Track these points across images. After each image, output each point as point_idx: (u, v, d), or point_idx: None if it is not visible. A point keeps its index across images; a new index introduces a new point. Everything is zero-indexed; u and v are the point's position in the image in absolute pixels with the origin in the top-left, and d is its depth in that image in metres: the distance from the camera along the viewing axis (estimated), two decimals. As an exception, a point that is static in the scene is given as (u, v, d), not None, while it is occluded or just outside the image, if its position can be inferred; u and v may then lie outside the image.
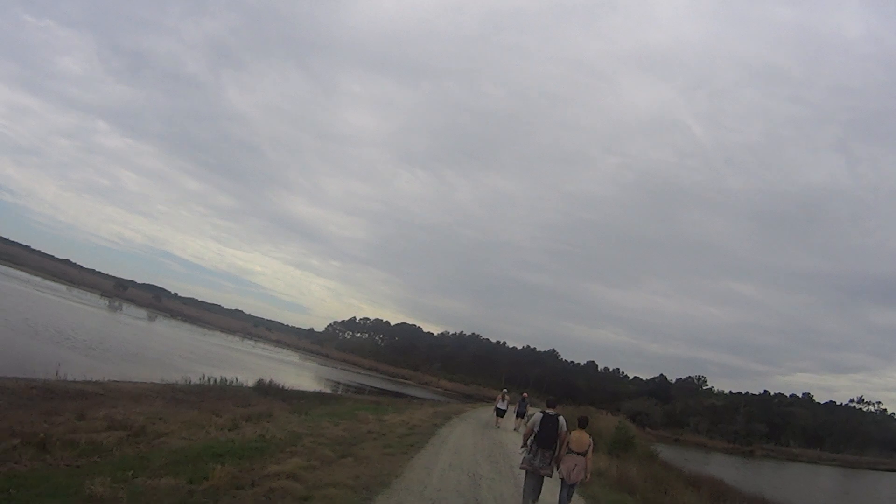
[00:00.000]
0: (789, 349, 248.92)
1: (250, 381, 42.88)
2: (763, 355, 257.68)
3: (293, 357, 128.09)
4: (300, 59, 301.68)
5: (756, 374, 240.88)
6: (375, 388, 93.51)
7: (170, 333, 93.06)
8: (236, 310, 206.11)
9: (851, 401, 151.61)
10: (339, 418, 28.01)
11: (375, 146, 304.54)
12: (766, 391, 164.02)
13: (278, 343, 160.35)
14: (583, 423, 14.71)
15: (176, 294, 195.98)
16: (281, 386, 44.02)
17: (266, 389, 41.42)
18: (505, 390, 42.11)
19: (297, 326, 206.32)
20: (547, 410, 14.82)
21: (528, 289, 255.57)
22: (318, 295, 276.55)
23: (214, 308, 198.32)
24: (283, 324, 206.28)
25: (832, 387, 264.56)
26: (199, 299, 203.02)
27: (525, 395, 43.18)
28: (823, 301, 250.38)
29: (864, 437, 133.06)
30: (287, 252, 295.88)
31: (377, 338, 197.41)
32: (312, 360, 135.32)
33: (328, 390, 61.97)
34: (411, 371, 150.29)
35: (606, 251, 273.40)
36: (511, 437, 32.12)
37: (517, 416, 39.71)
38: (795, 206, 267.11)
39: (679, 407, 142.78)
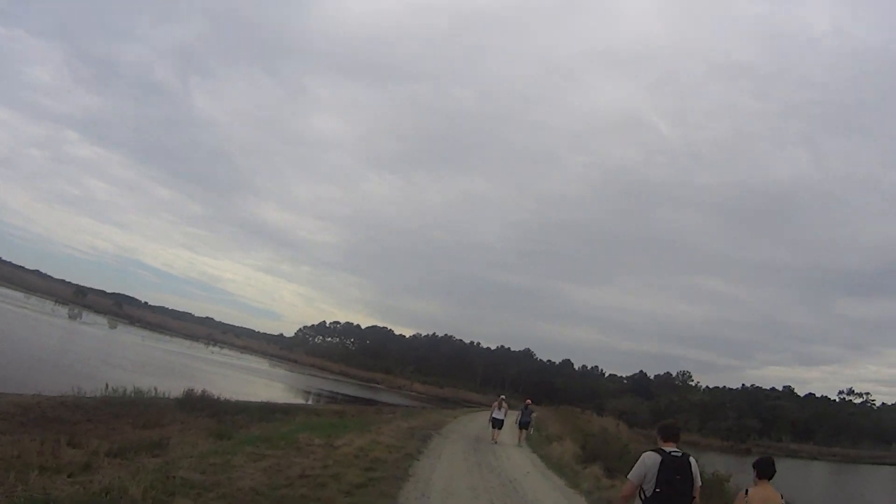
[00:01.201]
0: (761, 343, 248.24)
1: (179, 392, 32.78)
2: (735, 349, 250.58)
3: (259, 364, 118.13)
4: (267, 64, 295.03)
5: (729, 368, 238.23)
6: (344, 394, 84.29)
7: (118, 339, 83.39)
8: (207, 317, 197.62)
9: (840, 392, 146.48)
10: (271, 445, 18.48)
11: (344, 150, 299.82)
12: (743, 385, 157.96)
13: (244, 349, 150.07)
14: (766, 470, 8.15)
15: (146, 303, 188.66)
16: (216, 397, 33.76)
17: (193, 403, 31.31)
18: (503, 396, 33.56)
19: (267, 333, 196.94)
20: (666, 448, 7.87)
21: (500, 289, 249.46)
22: (290, 301, 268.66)
23: (185, 316, 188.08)
24: (254, 330, 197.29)
25: (805, 379, 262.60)
26: (170, 307, 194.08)
27: (529, 401, 34.45)
28: (794, 294, 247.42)
29: (857, 430, 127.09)
30: (257, 258, 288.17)
31: (348, 342, 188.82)
32: (281, 367, 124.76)
33: (282, 400, 51.31)
34: (383, 374, 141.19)
35: (577, 250, 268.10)
36: (518, 461, 23.82)
37: (520, 428, 32.14)
38: (764, 201, 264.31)
39: (664, 404, 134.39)
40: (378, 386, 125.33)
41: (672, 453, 7.69)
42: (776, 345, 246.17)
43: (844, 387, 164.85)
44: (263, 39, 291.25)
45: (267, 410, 36.45)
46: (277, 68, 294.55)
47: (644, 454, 7.82)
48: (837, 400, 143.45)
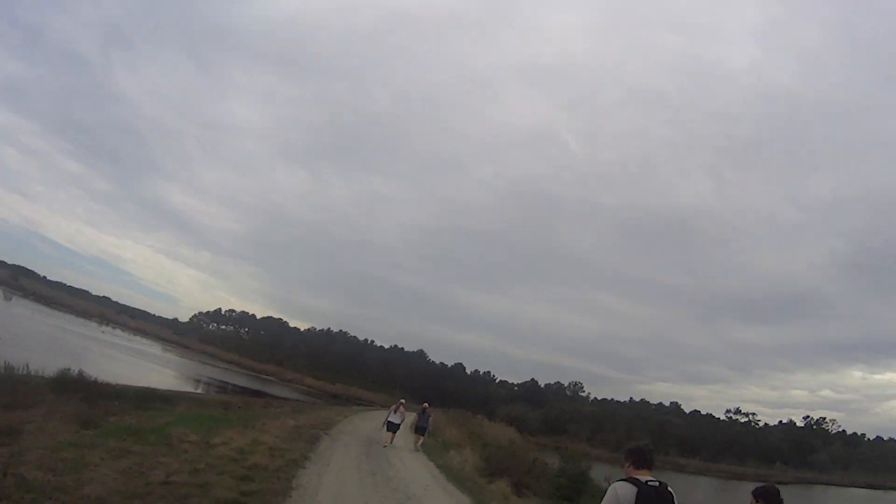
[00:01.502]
0: (651, 359, 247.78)
1: (54, 371, 30.21)
2: (625, 364, 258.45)
3: (151, 347, 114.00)
4: (191, 46, 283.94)
5: (618, 381, 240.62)
6: (234, 385, 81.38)
7: (7, 312, 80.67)
8: (104, 296, 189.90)
9: (728, 411, 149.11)
10: (140, 440, 16.77)
11: (255, 139, 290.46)
12: (631, 399, 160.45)
13: (137, 331, 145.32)
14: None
15: (45, 277, 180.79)
16: (93, 379, 31.25)
17: (67, 384, 28.67)
18: (402, 400, 31.75)
19: (163, 316, 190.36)
20: (640, 477, 6.58)
21: (397, 290, 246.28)
22: (188, 286, 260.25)
23: (82, 293, 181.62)
24: (149, 313, 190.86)
25: (691, 396, 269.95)
26: (68, 283, 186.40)
27: (426, 404, 33.32)
28: (686, 315, 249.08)
29: (742, 448, 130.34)
30: (159, 240, 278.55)
31: (242, 331, 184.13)
32: (173, 352, 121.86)
33: (168, 387, 48.42)
34: (275, 367, 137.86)
35: (476, 257, 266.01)
36: (416, 470, 22.40)
37: (416, 432, 31.10)
38: (665, 224, 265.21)
39: (555, 412, 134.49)
40: (269, 378, 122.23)
41: (649, 483, 6.47)
42: (665, 362, 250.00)
43: (729, 406, 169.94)
44: (190, 21, 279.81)
45: (148, 397, 33.98)
46: (200, 52, 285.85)
47: (615, 484, 6.55)
48: (724, 419, 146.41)
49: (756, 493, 7.54)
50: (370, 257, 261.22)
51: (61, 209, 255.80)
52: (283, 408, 47.37)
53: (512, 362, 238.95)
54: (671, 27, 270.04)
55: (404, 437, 31.69)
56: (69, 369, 30.93)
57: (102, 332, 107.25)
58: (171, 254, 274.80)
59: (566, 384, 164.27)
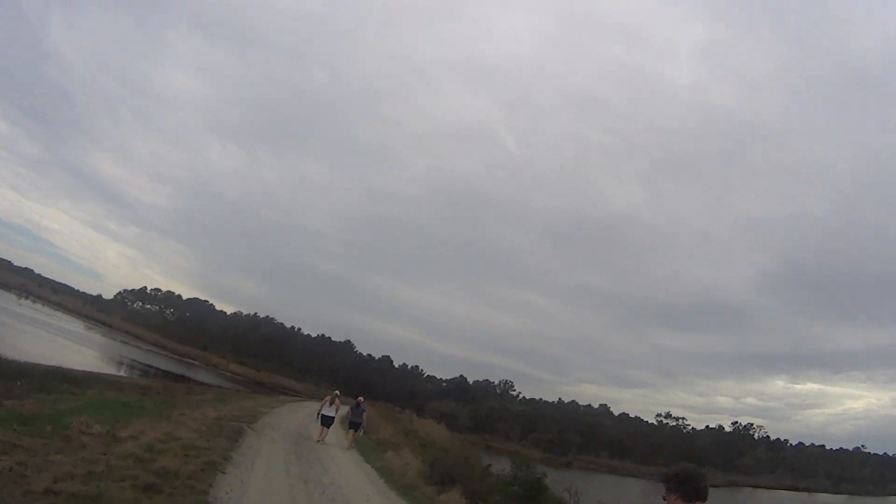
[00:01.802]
0: (577, 362, 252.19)
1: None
2: (552, 365, 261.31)
3: (71, 324, 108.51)
4: (133, 6, 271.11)
5: (545, 382, 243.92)
6: (155, 367, 77.63)
7: None
8: (26, 268, 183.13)
9: (658, 415, 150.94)
10: (32, 430, 14.62)
11: (191, 111, 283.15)
12: (560, 399, 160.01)
13: (58, 306, 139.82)
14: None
15: None
16: (1, 357, 28.35)
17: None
18: (337, 392, 30.07)
19: (87, 292, 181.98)
20: None
21: (325, 277, 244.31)
22: (114, 261, 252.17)
23: (3, 263, 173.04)
24: (73, 288, 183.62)
25: (618, 399, 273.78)
26: None
27: (361, 399, 31.06)
28: (614, 320, 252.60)
29: (672, 452, 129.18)
30: (86, 212, 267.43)
31: (168, 312, 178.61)
32: (95, 330, 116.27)
33: (82, 367, 45.04)
34: (200, 350, 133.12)
35: (404, 249, 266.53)
36: (353, 475, 20.40)
37: (351, 429, 28.90)
38: (596, 230, 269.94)
39: (484, 410, 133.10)
40: (193, 362, 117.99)
41: None
42: (592, 365, 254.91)
43: (656, 410, 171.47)
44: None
45: (56, 378, 31.06)
46: (142, 14, 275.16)
47: None
48: (654, 422, 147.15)
49: (666, 479, 5.41)
50: (299, 242, 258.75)
51: None
52: (205, 395, 44.63)
53: (438, 357, 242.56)
54: (619, 38, 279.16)
55: (335, 432, 29.33)
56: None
57: (20, 304, 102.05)
58: (98, 227, 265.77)
59: (496, 382, 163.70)
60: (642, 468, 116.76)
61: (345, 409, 32.49)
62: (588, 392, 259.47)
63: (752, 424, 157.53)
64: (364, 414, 29.75)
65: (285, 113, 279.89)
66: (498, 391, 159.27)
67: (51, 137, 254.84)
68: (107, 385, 35.58)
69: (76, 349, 65.09)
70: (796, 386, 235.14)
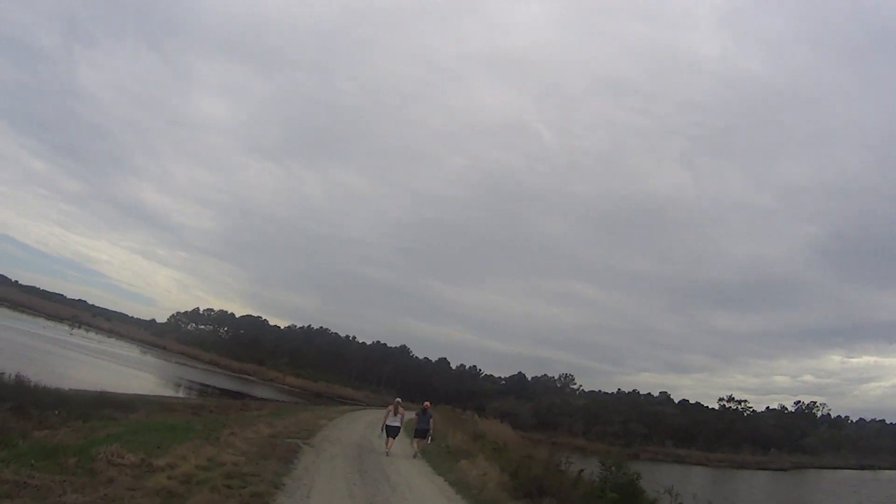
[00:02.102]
0: (632, 350, 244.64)
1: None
2: (607, 355, 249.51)
3: (125, 349, 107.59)
4: (154, 39, 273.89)
5: (602, 373, 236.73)
6: (213, 386, 76.34)
7: None
8: (79, 300, 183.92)
9: (721, 399, 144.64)
10: (54, 464, 12.13)
11: (225, 135, 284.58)
12: (619, 390, 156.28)
13: (111, 332, 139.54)
14: None
15: (16, 282, 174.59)
16: (30, 385, 26.23)
17: (10, 391, 23.79)
18: (399, 400, 27.25)
19: (141, 318, 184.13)
20: None
21: (374, 285, 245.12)
22: (165, 286, 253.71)
23: (56, 297, 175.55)
24: (126, 315, 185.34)
25: (676, 385, 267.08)
26: (41, 288, 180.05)
27: (427, 404, 28.46)
28: (665, 304, 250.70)
29: (737, 436, 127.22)
30: (133, 241, 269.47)
31: (222, 330, 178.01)
32: (150, 354, 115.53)
33: (132, 391, 42.97)
34: (256, 366, 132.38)
35: (451, 250, 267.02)
36: (427, 494, 17.33)
37: (417, 437, 26.54)
38: (639, 213, 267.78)
39: (545, 406, 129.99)
40: (250, 378, 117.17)
41: None
42: (648, 352, 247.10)
43: (714, 394, 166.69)
44: (152, 13, 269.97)
45: (99, 404, 29.13)
46: (164, 45, 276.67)
47: None
48: (717, 407, 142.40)
49: None
50: (345, 252, 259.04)
51: (29, 210, 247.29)
52: (261, 410, 42.52)
53: (495, 356, 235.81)
54: (639, 16, 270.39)
55: (400, 441, 26.73)
56: (1, 373, 25.93)
57: (71, 334, 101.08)
58: (146, 254, 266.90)
59: (556, 376, 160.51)
60: (709, 455, 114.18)
61: (409, 416, 29.86)
62: (647, 380, 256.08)
63: (814, 403, 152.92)
64: (431, 420, 27.20)
65: (318, 126, 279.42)
66: (558, 385, 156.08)
67: (89, 172, 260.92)
68: (156, 407, 33.73)
69: (129, 374, 63.65)
70: (852, 360, 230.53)
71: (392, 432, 25.27)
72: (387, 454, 24.00)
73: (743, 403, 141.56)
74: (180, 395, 53.63)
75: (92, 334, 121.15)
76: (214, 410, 38.26)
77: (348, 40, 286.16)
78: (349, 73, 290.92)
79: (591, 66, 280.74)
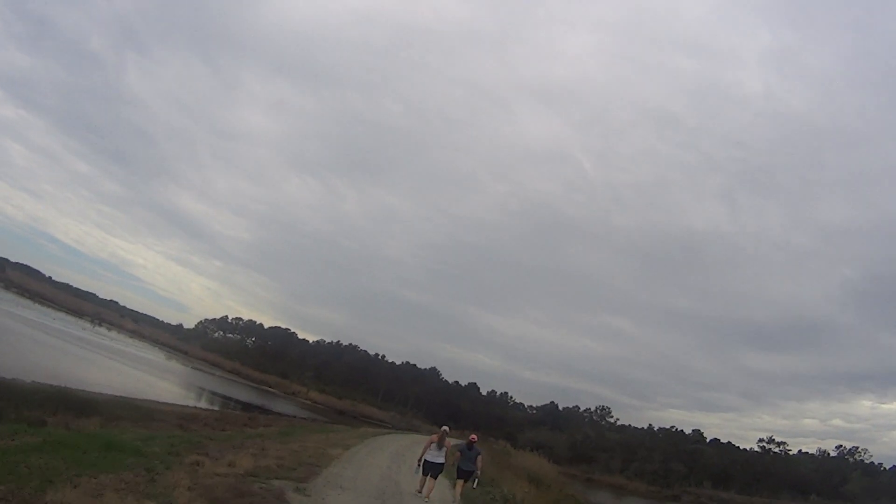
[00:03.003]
0: (662, 385, 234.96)
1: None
2: (636, 389, 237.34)
3: (144, 351, 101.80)
4: (205, 50, 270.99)
5: (629, 407, 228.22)
6: (223, 395, 69.16)
7: None
8: (111, 300, 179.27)
9: (760, 440, 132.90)
10: None
11: (268, 148, 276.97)
12: (651, 426, 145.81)
13: (133, 333, 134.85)
14: None
15: (50, 277, 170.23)
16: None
17: None
18: (446, 428, 19.87)
19: (170, 323, 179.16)
20: None
21: (408, 306, 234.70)
22: (197, 294, 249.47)
23: (88, 296, 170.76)
24: (157, 319, 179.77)
25: (703, 424, 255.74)
26: (74, 286, 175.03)
27: (474, 438, 20.60)
28: (698, 341, 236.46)
29: (775, 480, 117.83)
30: (170, 247, 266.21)
31: (249, 340, 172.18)
32: (170, 357, 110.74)
33: (112, 392, 35.54)
34: (279, 378, 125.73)
35: (487, 276, 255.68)
36: None
37: (460, 478, 19.66)
38: (677, 248, 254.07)
39: (579, 438, 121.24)
40: (271, 390, 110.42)
41: None
42: (677, 388, 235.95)
43: (740, 434, 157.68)
44: (204, 25, 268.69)
45: (51, 402, 22.14)
46: (214, 56, 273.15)
47: None
48: (758, 448, 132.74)
49: None
50: (381, 272, 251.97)
51: (70, 210, 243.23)
52: (269, 427, 35.24)
53: (523, 383, 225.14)
54: (684, 50, 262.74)
55: (440, 484, 19.13)
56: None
57: (84, 330, 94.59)
58: (181, 261, 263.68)
59: (592, 408, 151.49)
60: (751, 500, 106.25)
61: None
62: (674, 416, 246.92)
63: (856, 448, 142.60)
64: (479, 458, 19.66)
65: (362, 145, 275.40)
66: (595, 417, 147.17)
67: (132, 177, 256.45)
68: (133, 413, 26.53)
69: (130, 373, 56.48)
70: (883, 406, 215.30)
71: (433, 471, 18.27)
72: (426, 501, 16.62)
73: (782, 446, 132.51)
74: (180, 401, 45.86)
75: (114, 333, 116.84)
76: (210, 423, 30.96)
77: (398, 62, 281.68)
78: (397, 94, 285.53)
79: (635, 98, 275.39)
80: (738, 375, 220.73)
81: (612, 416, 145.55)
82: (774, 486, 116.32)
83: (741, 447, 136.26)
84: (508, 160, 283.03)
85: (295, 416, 61.18)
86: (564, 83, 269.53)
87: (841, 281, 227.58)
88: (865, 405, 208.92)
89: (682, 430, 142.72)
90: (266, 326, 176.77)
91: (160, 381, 59.85)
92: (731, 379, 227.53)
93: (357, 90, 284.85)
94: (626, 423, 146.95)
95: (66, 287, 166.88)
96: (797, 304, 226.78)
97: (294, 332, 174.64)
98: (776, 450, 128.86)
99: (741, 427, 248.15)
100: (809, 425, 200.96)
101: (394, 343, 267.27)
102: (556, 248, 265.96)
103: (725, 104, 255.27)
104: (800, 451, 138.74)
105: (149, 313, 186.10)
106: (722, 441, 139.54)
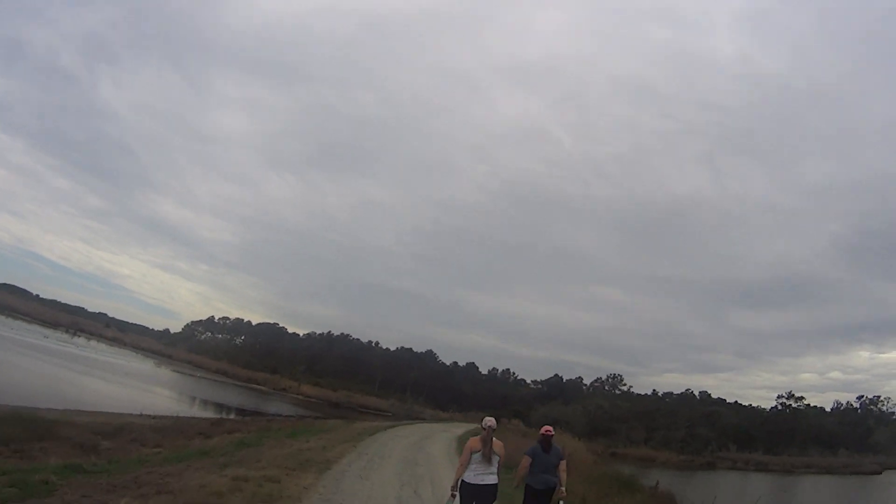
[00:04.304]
0: (657, 351, 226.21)
1: None
2: (631, 357, 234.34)
3: (122, 358, 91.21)
4: (175, 57, 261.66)
5: (626, 374, 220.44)
6: (201, 398, 59.74)
7: None
8: (100, 313, 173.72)
9: (780, 396, 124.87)
10: None
11: (246, 149, 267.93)
12: (654, 391, 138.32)
13: (113, 341, 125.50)
14: None
15: (37, 295, 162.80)
16: None
17: None
18: (490, 421, 10.28)
19: (157, 329, 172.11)
20: None
21: (397, 294, 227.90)
22: (186, 299, 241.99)
23: (77, 311, 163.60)
24: (147, 328, 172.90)
25: (700, 385, 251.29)
26: (63, 301, 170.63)
27: (548, 431, 11.45)
28: (689, 305, 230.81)
29: (802, 437, 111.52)
30: (155, 255, 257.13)
31: (238, 339, 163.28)
32: (152, 363, 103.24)
33: (73, 404, 26.04)
34: (269, 374, 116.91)
35: (473, 257, 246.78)
36: None
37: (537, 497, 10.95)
38: (661, 216, 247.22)
39: (592, 409, 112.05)
40: (259, 387, 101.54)
41: None
42: (672, 353, 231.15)
43: (738, 393, 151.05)
44: (174, 32, 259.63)
45: None
46: (185, 63, 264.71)
47: None
48: (779, 405, 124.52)
49: None
50: (368, 263, 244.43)
51: (54, 227, 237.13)
52: (233, 434, 26.03)
53: (519, 360, 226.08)
54: (656, 18, 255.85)
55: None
56: None
57: (46, 339, 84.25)
58: (168, 268, 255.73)
59: (604, 377, 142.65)
60: (795, 460, 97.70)
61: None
62: (671, 381, 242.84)
63: (878, 397, 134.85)
64: (563, 463, 10.63)
65: (338, 138, 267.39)
66: (606, 388, 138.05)
67: (113, 189, 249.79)
68: (13, 431, 17.22)
69: (86, 383, 46.62)
70: (881, 355, 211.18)
71: (480, 500, 9.57)
72: None
73: (801, 401, 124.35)
74: (123, 409, 36.00)
75: (93, 343, 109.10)
76: (141, 438, 21.74)
77: (367, 53, 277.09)
78: (369, 85, 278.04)
79: (609, 70, 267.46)
80: (732, 336, 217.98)
81: (624, 384, 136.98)
82: (800, 442, 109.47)
83: (755, 406, 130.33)
84: (487, 142, 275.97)
85: (278, 416, 51.68)
86: (538, 61, 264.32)
87: (829, 237, 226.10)
88: (863, 356, 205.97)
89: (693, 392, 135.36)
90: (254, 324, 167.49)
91: (112, 387, 49.59)
92: (725, 340, 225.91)
93: (329, 84, 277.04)
94: (628, 391, 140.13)
95: (55, 303, 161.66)
96: (787, 262, 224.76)
97: (283, 327, 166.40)
98: (794, 405, 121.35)
99: (740, 386, 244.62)
100: (808, 379, 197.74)
101: (387, 332, 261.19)
102: (540, 225, 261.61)
103: (701, 70, 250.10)
104: (807, 405, 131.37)
105: (138, 322, 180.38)
106: (728, 401, 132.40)
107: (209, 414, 42.54)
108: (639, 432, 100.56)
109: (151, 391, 56.60)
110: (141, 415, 33.01)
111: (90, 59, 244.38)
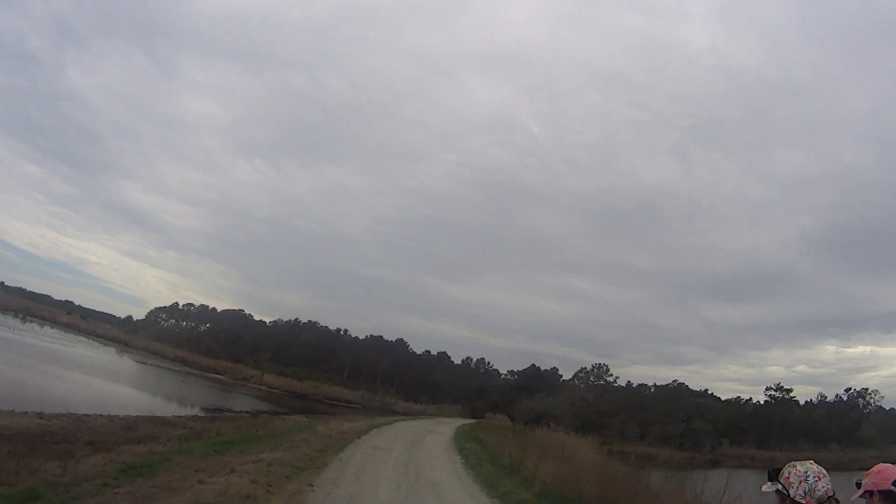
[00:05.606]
0: (627, 342, 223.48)
1: None
2: (601, 348, 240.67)
3: (68, 345, 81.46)
4: (144, 41, 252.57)
5: (594, 365, 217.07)
6: (144, 393, 49.87)
7: None
8: (66, 301, 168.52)
9: (768, 388, 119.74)
10: None
11: (215, 135, 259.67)
12: (629, 382, 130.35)
13: (67, 327, 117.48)
14: None
15: (2, 283, 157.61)
16: None
17: None
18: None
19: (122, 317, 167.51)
20: None
21: (368, 281, 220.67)
22: (154, 287, 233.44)
23: (43, 298, 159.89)
24: (114, 315, 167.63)
25: (667, 377, 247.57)
26: (28, 289, 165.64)
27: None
28: (659, 297, 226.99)
29: (790, 431, 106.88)
30: (123, 241, 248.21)
31: (203, 326, 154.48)
32: (104, 350, 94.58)
33: None
34: (231, 363, 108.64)
35: (444, 246, 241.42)
36: None
37: None
38: (632, 206, 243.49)
39: (576, 402, 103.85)
40: (219, 377, 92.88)
41: None
42: (642, 345, 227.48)
43: (705, 385, 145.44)
44: (142, 15, 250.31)
45: None
46: (153, 47, 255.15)
47: None
48: (766, 398, 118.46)
49: None
50: (338, 250, 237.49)
51: (21, 214, 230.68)
52: (140, 446, 16.99)
53: (490, 350, 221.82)
54: (629, 7, 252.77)
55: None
56: None
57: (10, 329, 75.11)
58: (136, 255, 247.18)
59: (589, 367, 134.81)
60: (777, 454, 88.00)
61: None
62: (638, 373, 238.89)
63: (866, 389, 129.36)
64: None
65: (308, 125, 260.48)
66: (591, 379, 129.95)
67: (81, 175, 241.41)
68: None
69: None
70: (847, 350, 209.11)
71: None
72: None
73: (787, 394, 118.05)
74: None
75: (46, 329, 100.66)
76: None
77: (338, 39, 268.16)
78: (340, 71, 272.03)
79: (581, 59, 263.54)
80: (701, 328, 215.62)
81: (610, 375, 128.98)
82: (792, 437, 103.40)
83: (737, 399, 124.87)
84: (457, 129, 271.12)
85: (227, 412, 42.23)
86: (509, 49, 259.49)
87: (798, 230, 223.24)
88: (829, 350, 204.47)
89: (684, 385, 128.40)
90: (219, 310, 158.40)
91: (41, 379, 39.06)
92: (694, 332, 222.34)
93: (300, 70, 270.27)
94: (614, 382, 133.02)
95: (20, 291, 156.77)
96: (756, 254, 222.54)
97: (249, 314, 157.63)
98: (782, 397, 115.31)
99: (706, 378, 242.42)
100: (775, 372, 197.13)
101: (357, 321, 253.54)
102: (511, 214, 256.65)
103: (673, 60, 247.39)
104: (790, 397, 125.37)
105: (105, 310, 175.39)
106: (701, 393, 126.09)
107: (129, 412, 31.94)
108: (632, 427, 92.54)
109: (54, 376, 45.24)
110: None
111: (57, 42, 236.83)
